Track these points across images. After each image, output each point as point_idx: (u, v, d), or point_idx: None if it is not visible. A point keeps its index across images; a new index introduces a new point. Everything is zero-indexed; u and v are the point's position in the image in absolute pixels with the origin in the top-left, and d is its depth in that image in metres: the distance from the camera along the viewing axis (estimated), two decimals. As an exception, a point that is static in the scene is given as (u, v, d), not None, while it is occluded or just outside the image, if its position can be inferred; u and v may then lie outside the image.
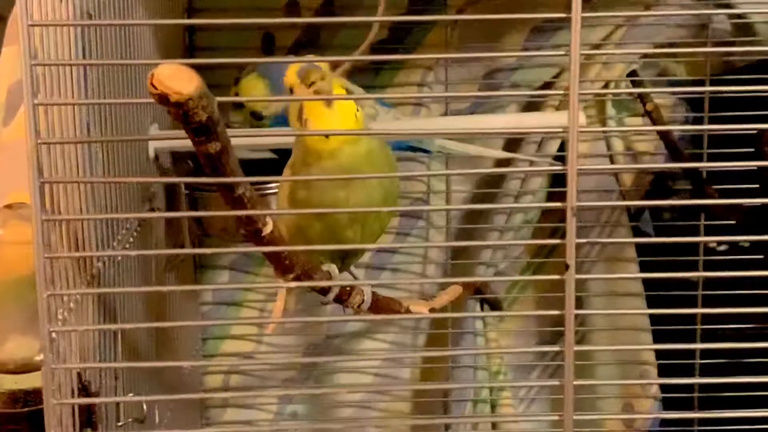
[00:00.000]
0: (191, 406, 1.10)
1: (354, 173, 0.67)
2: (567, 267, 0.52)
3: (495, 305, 1.10)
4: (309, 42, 1.09)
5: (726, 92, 1.01)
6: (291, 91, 0.67)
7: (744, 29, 1.08)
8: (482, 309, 1.13)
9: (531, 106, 1.12)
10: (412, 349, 1.16)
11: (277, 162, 0.98)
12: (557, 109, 1.08)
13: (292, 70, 0.66)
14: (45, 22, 0.51)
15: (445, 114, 1.11)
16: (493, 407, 1.16)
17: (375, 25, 0.79)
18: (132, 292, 0.73)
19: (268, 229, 0.57)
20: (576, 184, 0.52)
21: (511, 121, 0.96)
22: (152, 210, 0.86)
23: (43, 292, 0.51)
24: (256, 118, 0.92)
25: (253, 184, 0.54)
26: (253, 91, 0.90)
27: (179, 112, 0.45)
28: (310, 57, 0.67)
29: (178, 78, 0.44)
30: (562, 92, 0.51)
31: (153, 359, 0.85)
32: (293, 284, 0.63)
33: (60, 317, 0.55)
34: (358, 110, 0.67)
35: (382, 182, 0.70)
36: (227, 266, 1.14)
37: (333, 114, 0.66)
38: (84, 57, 0.63)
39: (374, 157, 0.69)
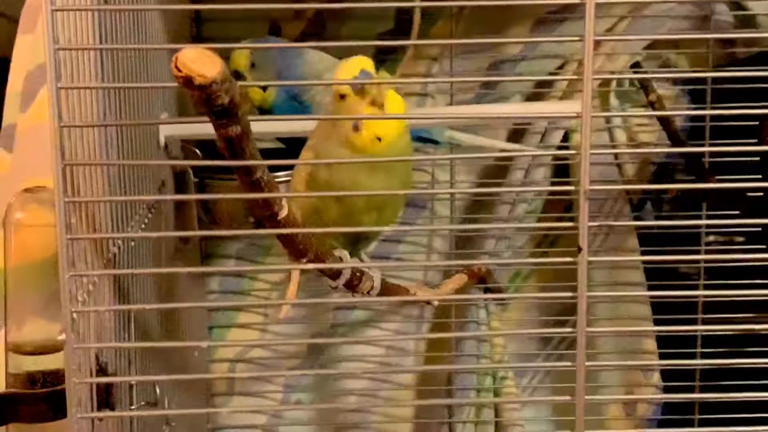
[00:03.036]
0: (197, 394, 1.11)
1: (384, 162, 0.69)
2: (579, 250, 0.53)
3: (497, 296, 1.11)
4: (316, 32, 1.10)
5: (730, 78, 1.03)
6: (341, 96, 0.68)
7: (746, 21, 1.09)
8: (486, 299, 1.14)
9: (535, 97, 1.13)
10: (418, 328, 1.17)
11: (283, 151, 0.99)
12: (561, 100, 1.09)
13: (346, 76, 0.67)
14: (68, 6, 0.52)
15: (450, 105, 1.12)
16: (496, 396, 1.17)
17: (416, 12, 0.80)
18: (148, 273, 0.74)
19: (283, 213, 0.58)
20: (588, 167, 0.53)
21: (522, 109, 0.97)
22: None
23: (66, 272, 0.52)
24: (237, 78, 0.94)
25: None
26: (238, 61, 0.93)
27: (202, 95, 0.46)
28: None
29: (202, 61, 0.45)
30: (575, 77, 0.52)
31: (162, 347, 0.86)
32: (306, 266, 0.64)
33: (80, 299, 0.56)
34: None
35: (401, 170, 0.72)
36: (233, 255, 1.15)
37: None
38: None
39: (403, 148, 0.70)
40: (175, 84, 0.47)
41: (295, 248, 0.64)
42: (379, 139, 0.68)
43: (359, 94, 0.67)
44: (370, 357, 1.17)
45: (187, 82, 0.45)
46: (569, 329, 0.56)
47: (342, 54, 1.05)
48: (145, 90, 0.79)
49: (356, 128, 0.68)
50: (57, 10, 0.50)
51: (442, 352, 1.17)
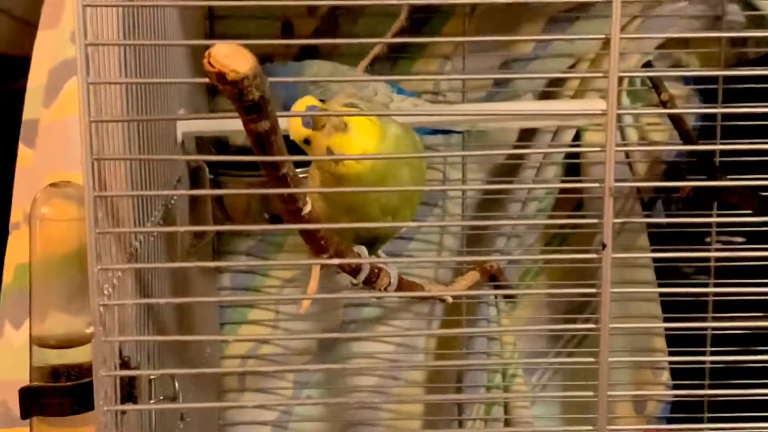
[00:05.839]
0: (209, 390, 1.12)
1: (386, 173, 0.69)
2: (604, 246, 0.53)
3: (508, 294, 1.11)
4: (328, 30, 1.10)
5: (741, 78, 1.03)
6: (307, 142, 0.67)
7: (757, 21, 1.10)
8: (496, 297, 1.14)
9: (546, 96, 1.14)
10: (428, 326, 1.18)
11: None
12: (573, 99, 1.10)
13: (296, 125, 0.66)
14: (98, 2, 0.52)
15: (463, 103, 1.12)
16: (506, 393, 1.18)
17: (403, 12, 0.81)
18: (172, 267, 0.76)
19: (307, 208, 0.59)
20: (613, 164, 0.53)
21: (543, 107, 0.97)
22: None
23: (94, 266, 0.52)
24: None
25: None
26: None
27: (234, 91, 0.46)
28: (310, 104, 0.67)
29: (234, 57, 0.46)
30: (600, 75, 0.52)
31: (177, 343, 0.87)
32: (326, 261, 0.65)
33: (105, 292, 0.56)
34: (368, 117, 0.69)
35: (411, 170, 0.71)
36: (244, 252, 1.16)
37: (354, 134, 0.67)
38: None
39: (401, 147, 0.70)
40: (203, 80, 0.48)
41: (317, 244, 0.64)
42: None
43: (318, 128, 0.66)
44: (380, 354, 1.17)
45: (220, 77, 0.46)
46: (591, 326, 0.57)
47: (355, 52, 1.06)
48: (163, 87, 0.79)
49: (337, 161, 0.67)
50: (88, 6, 0.51)
51: (453, 349, 1.17)
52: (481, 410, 1.17)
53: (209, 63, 0.45)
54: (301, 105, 0.67)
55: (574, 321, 1.17)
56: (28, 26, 0.75)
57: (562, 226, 1.18)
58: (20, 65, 0.74)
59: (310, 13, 1.10)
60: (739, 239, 1.15)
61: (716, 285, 1.09)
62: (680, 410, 1.16)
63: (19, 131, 0.74)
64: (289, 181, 0.55)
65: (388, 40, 1.04)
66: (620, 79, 1.10)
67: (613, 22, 0.51)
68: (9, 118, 0.77)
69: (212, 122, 0.88)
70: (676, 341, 1.14)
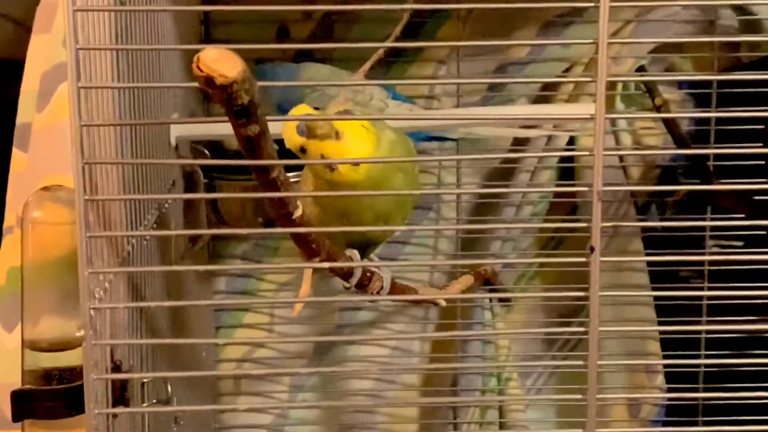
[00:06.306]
0: (204, 393, 1.12)
1: (381, 180, 0.68)
2: (592, 250, 0.53)
3: (503, 297, 1.11)
4: (323, 35, 1.11)
5: (735, 82, 1.04)
6: (303, 150, 0.67)
7: (751, 25, 1.10)
8: (491, 301, 1.14)
9: (541, 100, 1.14)
10: (423, 329, 1.18)
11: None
12: (567, 103, 1.10)
13: (290, 133, 0.65)
14: (88, 6, 0.52)
15: (457, 107, 1.13)
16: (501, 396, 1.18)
17: (405, 16, 0.81)
18: (163, 270, 0.75)
19: (298, 213, 0.59)
20: (601, 168, 0.53)
21: (535, 111, 0.97)
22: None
23: (85, 270, 0.52)
24: None
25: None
26: None
27: (223, 95, 0.46)
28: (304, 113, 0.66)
29: (223, 61, 0.46)
30: (589, 79, 0.52)
31: (172, 347, 0.87)
32: (318, 264, 0.65)
33: (96, 296, 0.56)
34: (362, 124, 0.68)
35: (405, 176, 0.71)
36: (240, 256, 1.16)
37: (349, 142, 0.66)
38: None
39: (396, 153, 0.70)
40: (194, 84, 0.48)
41: (309, 247, 0.64)
42: (357, 164, 0.67)
43: (313, 137, 0.65)
44: (375, 357, 1.18)
45: (209, 82, 0.46)
46: (582, 329, 0.57)
47: (350, 56, 1.06)
48: (157, 91, 0.79)
49: (332, 168, 0.66)
50: (78, 10, 0.51)
51: (448, 353, 1.17)
52: (476, 414, 1.17)
53: (198, 67, 0.46)
54: (296, 113, 0.67)
55: (569, 325, 1.17)
56: (29, 31, 0.75)
57: (556, 230, 1.18)
58: (20, 70, 0.75)
59: (305, 17, 1.11)
60: (738, 243, 1.15)
61: (713, 289, 1.09)
62: (675, 414, 1.16)
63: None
64: (279, 185, 0.55)
65: (385, 44, 1.04)
66: (614, 84, 1.11)
67: (600, 27, 0.51)
68: (5, 122, 0.77)
69: (206, 126, 0.88)
70: (670, 345, 1.14)
